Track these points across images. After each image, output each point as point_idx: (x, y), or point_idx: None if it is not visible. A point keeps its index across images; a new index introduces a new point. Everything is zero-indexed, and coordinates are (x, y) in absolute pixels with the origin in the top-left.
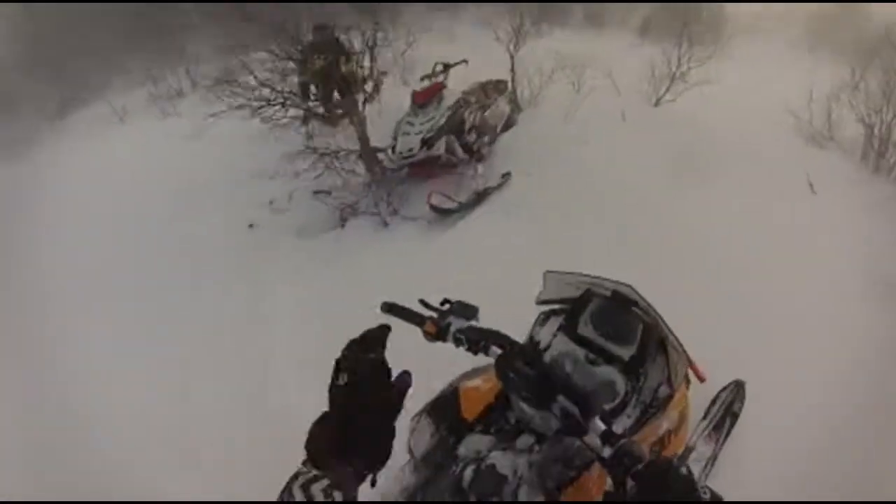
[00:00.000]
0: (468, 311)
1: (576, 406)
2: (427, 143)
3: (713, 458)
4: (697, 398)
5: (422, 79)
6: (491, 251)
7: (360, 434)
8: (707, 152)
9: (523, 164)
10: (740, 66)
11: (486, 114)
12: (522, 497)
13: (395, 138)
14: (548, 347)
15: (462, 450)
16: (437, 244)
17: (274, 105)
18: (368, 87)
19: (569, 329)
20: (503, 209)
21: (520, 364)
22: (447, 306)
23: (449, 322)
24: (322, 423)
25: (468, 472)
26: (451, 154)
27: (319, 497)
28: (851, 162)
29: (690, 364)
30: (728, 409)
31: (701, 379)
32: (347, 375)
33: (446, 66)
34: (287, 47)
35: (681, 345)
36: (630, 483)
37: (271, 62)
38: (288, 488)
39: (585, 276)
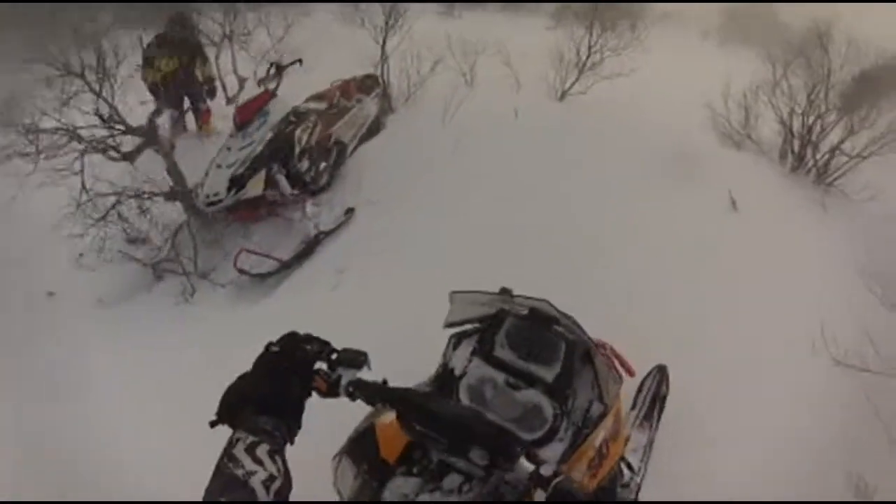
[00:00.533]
0: (356, 359)
1: (495, 452)
2: (237, 183)
3: (650, 444)
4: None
5: (259, 83)
6: (314, 326)
7: (275, 393)
8: (614, 155)
9: (378, 188)
10: (655, 58)
11: (339, 123)
12: None
13: (206, 173)
14: (464, 374)
15: (387, 494)
16: (243, 322)
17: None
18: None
19: (484, 352)
20: (337, 264)
21: (422, 420)
22: (334, 356)
23: (339, 375)
24: (240, 380)
25: None
26: (277, 190)
27: (268, 462)
28: (770, 164)
29: (619, 359)
30: (655, 394)
31: (631, 373)
32: (279, 345)
33: (279, 68)
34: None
35: (607, 347)
36: None
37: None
38: (230, 454)
39: (496, 293)
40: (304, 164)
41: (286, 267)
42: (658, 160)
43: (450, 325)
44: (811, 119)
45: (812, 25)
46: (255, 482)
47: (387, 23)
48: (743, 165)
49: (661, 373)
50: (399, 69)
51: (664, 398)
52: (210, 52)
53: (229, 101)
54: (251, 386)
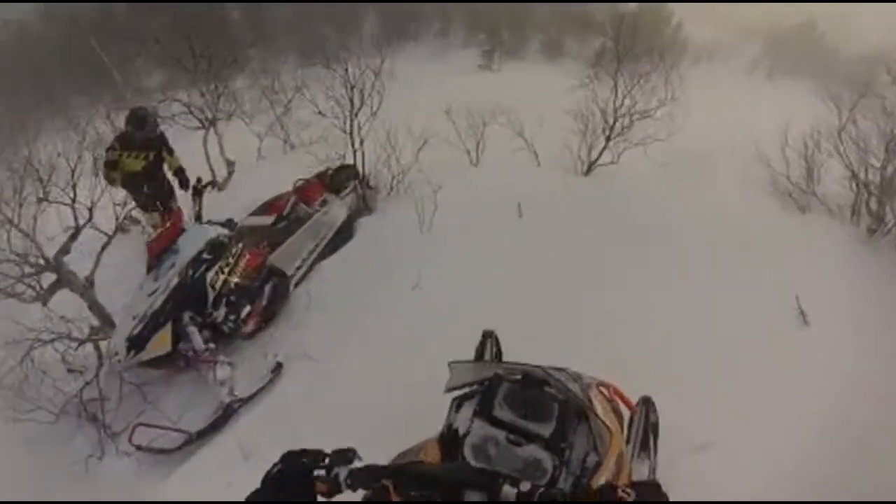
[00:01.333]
0: (345, 455)
1: (482, 489)
2: (135, 344)
3: (652, 472)
4: None
5: (195, 189)
6: None
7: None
8: (649, 249)
9: (323, 334)
10: (694, 105)
11: (284, 245)
12: None
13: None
14: (467, 434)
15: None
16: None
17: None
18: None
19: (484, 413)
20: (245, 446)
21: (415, 484)
22: (327, 460)
23: (336, 473)
24: (251, 496)
25: None
26: (188, 343)
27: None
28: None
29: (621, 397)
30: (646, 423)
31: (630, 408)
32: (280, 464)
33: (196, 189)
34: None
35: (609, 387)
36: None
37: None
38: None
39: (491, 362)
40: (221, 313)
41: (191, 442)
42: (704, 249)
43: (451, 389)
44: (890, 171)
45: (870, 53)
46: None
47: (352, 90)
48: (810, 239)
49: (645, 403)
50: (384, 151)
51: (656, 425)
52: (196, 137)
53: (219, 188)
54: (260, 500)
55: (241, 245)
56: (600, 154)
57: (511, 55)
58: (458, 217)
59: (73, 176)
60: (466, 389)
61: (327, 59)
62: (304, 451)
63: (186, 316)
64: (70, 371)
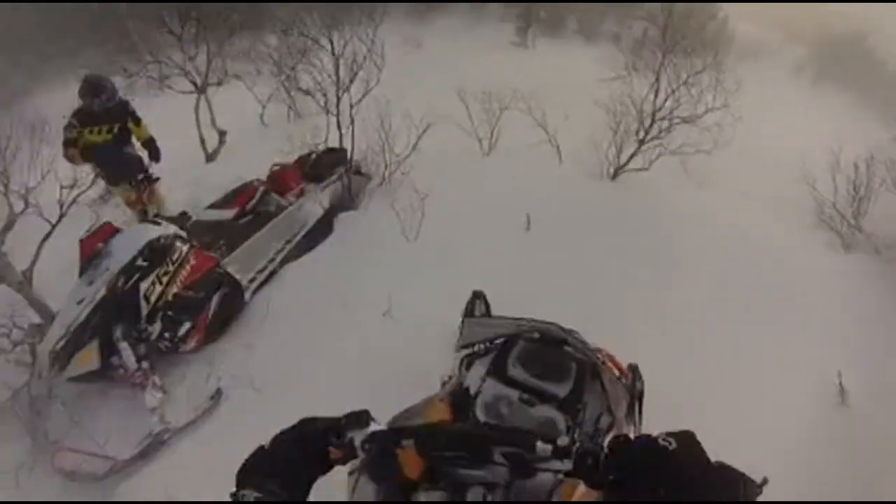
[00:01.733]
0: (360, 418)
1: (514, 446)
2: (57, 360)
3: None
4: None
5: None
6: None
7: (284, 463)
8: (673, 276)
9: (274, 358)
10: (738, 108)
11: (242, 247)
12: None
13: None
14: (479, 393)
15: None
16: None
17: None
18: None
19: (497, 372)
20: (177, 483)
21: (439, 443)
22: (337, 423)
23: (351, 438)
24: (260, 453)
25: None
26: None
27: None
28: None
29: (613, 363)
30: (633, 391)
31: (623, 374)
32: (294, 425)
33: (141, 181)
34: None
35: (602, 352)
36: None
37: None
38: None
39: (508, 318)
40: (156, 328)
41: (116, 471)
42: (734, 285)
43: (463, 346)
44: None
45: None
46: None
47: (337, 63)
48: (853, 288)
49: (634, 371)
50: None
51: (642, 393)
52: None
53: (208, 158)
54: (262, 455)
55: (186, 248)
56: (630, 158)
57: (547, 32)
58: (454, 222)
59: (3, 158)
60: (478, 347)
61: (306, 26)
62: (316, 418)
63: (118, 330)
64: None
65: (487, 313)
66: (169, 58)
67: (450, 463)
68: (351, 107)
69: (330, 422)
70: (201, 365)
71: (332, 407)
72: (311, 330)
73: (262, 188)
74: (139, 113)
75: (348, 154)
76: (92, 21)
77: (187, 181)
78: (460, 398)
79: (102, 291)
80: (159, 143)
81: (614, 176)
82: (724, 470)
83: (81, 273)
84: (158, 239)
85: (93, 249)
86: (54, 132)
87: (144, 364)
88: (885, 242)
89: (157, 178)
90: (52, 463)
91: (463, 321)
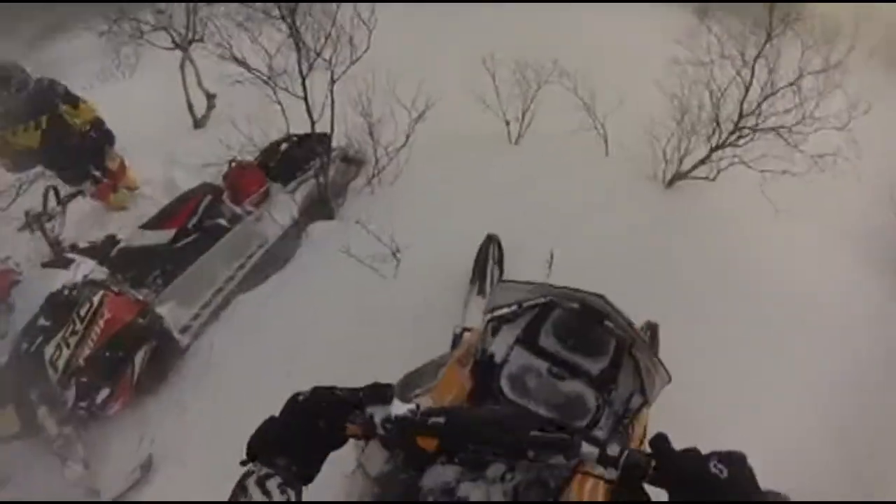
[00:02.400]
0: (383, 393)
1: (556, 451)
2: None
3: None
4: None
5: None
6: None
7: (295, 435)
8: (726, 336)
9: (208, 424)
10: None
11: (176, 284)
12: None
13: None
14: (505, 362)
15: (427, 482)
16: None
17: None
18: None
19: (528, 341)
20: None
21: (469, 441)
22: (357, 396)
23: (370, 414)
24: (271, 424)
25: None
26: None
27: (276, 493)
28: None
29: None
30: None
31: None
32: (309, 394)
33: (58, 200)
34: None
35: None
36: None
37: None
38: (242, 485)
39: (548, 285)
40: (70, 395)
41: None
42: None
43: (492, 309)
44: None
45: None
46: None
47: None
48: None
49: (651, 329)
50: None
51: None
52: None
53: (196, 124)
54: (273, 425)
55: (97, 298)
56: (697, 165)
57: None
58: (455, 245)
59: None
60: (506, 311)
61: None
62: (335, 388)
63: (33, 394)
64: None
65: (501, 259)
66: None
67: (482, 460)
68: (331, 80)
69: (349, 393)
70: (132, 426)
71: None
72: (253, 389)
73: (206, 199)
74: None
75: (330, 140)
76: None
77: (171, 153)
78: (484, 366)
79: (4, 359)
80: (141, 106)
81: (670, 182)
82: (777, 502)
83: None
84: (62, 291)
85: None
86: None
87: (66, 430)
88: None
89: (119, 159)
90: None
91: (497, 285)
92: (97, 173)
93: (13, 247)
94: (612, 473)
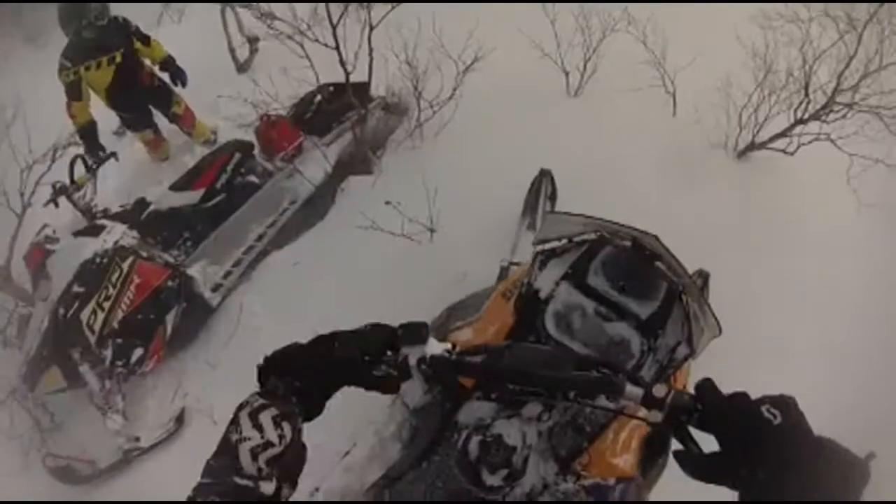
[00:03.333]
0: (417, 332)
1: (600, 391)
2: (25, 380)
3: None
4: None
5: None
6: None
7: (308, 359)
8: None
9: (235, 384)
10: None
11: (202, 247)
12: (532, 466)
13: None
14: (550, 298)
15: (462, 417)
16: None
17: None
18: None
19: (576, 278)
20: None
21: (512, 381)
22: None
23: (406, 354)
24: (292, 347)
25: (473, 444)
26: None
27: (269, 428)
28: None
29: None
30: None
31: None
32: (342, 333)
33: (86, 167)
34: None
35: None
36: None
37: None
38: (235, 418)
39: (599, 219)
40: (108, 354)
41: (96, 476)
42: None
43: (540, 241)
44: None
45: None
46: (244, 449)
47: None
48: None
49: (703, 277)
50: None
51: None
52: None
53: (240, 69)
54: (293, 349)
55: (127, 264)
56: (775, 137)
57: None
58: (498, 207)
59: None
60: (556, 244)
61: None
62: (376, 327)
63: (75, 354)
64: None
65: (554, 194)
66: None
67: (527, 401)
68: (370, 27)
69: (387, 333)
70: (167, 381)
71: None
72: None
73: (237, 155)
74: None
75: (368, 89)
76: None
77: (213, 102)
78: (528, 299)
79: (45, 324)
80: (187, 50)
81: (742, 152)
82: (831, 449)
83: (34, 288)
84: (94, 259)
85: (36, 266)
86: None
87: (108, 384)
88: None
89: (184, 104)
90: (44, 464)
91: (544, 215)
92: (157, 122)
93: (56, 214)
94: (656, 417)
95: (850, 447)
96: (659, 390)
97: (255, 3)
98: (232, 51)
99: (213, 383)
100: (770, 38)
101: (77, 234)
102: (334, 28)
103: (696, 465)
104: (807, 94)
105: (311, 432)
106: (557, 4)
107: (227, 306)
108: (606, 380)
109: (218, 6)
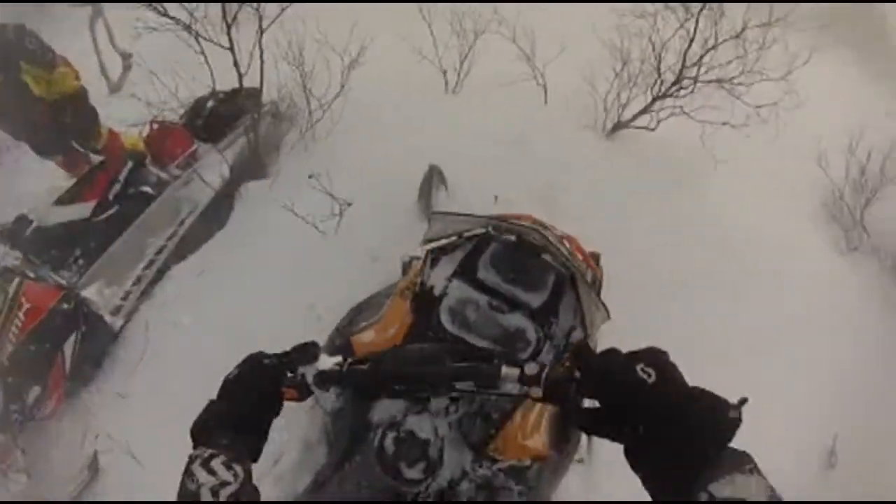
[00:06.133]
0: (310, 351)
1: (480, 380)
2: None
3: None
4: None
5: None
6: None
7: (233, 411)
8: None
9: (148, 415)
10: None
11: (101, 260)
12: (448, 457)
13: None
14: (444, 294)
15: (375, 416)
16: None
17: None
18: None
19: (466, 274)
20: None
21: (398, 382)
22: (285, 360)
23: (302, 374)
24: (210, 407)
25: (389, 441)
26: None
27: (222, 471)
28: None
29: (581, 251)
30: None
31: (590, 266)
32: (237, 368)
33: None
34: None
35: (573, 240)
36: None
37: None
38: (188, 471)
39: (483, 216)
40: None
41: None
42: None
43: (428, 241)
44: None
45: None
46: (204, 491)
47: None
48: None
49: (595, 259)
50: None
51: (600, 283)
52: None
53: (112, 89)
54: (212, 408)
55: (14, 287)
56: (638, 115)
57: None
58: (394, 197)
59: None
60: (444, 242)
61: None
62: (264, 355)
63: None
64: None
65: (444, 189)
66: None
67: (414, 395)
68: (260, 31)
69: (279, 358)
70: (72, 423)
71: None
72: (198, 369)
73: (127, 166)
74: None
75: (259, 95)
76: None
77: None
78: (423, 298)
79: None
80: None
81: (612, 131)
82: (703, 398)
83: None
84: None
85: None
86: None
87: (1, 438)
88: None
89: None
90: None
91: (431, 214)
92: (79, 148)
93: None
94: (536, 392)
95: None
96: (531, 368)
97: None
98: (103, 68)
99: (125, 416)
100: (624, 33)
101: None
102: (229, 28)
103: (584, 421)
104: (659, 75)
105: None
106: (436, 11)
107: (130, 329)
108: (479, 367)
109: (85, 20)
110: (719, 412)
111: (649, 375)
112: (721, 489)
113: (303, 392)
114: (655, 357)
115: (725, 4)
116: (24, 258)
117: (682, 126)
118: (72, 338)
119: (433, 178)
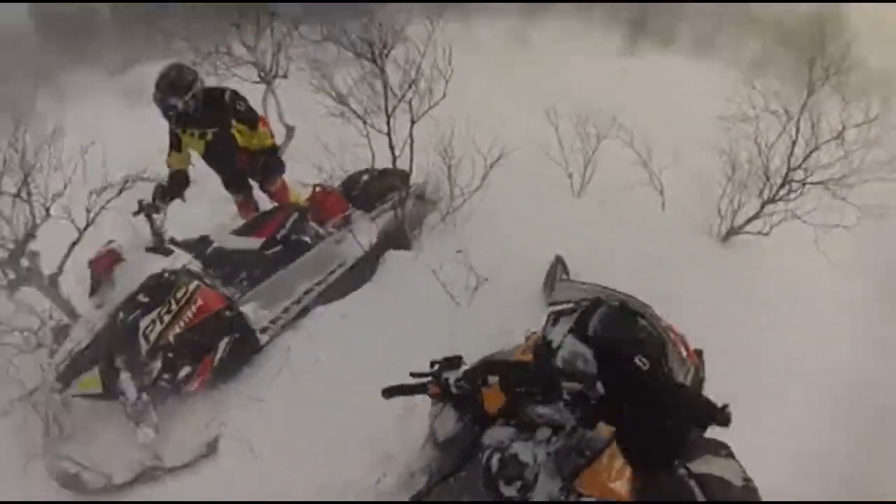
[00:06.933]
0: (454, 361)
1: (576, 379)
2: (61, 378)
3: None
4: None
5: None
6: None
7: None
8: None
9: (276, 422)
10: None
11: (260, 287)
12: (541, 482)
13: None
14: (560, 347)
15: (486, 439)
16: None
17: None
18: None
19: (579, 331)
20: None
21: (518, 379)
22: (436, 367)
23: (446, 378)
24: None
25: (494, 460)
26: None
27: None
28: None
29: (685, 345)
30: (696, 378)
31: (692, 359)
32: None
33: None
34: None
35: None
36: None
37: None
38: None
39: (597, 285)
40: (156, 367)
41: (108, 490)
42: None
43: (553, 303)
44: None
45: None
46: None
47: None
48: None
49: (700, 356)
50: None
51: (702, 382)
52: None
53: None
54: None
55: (193, 286)
56: (750, 220)
57: (657, 42)
58: (523, 279)
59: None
60: (565, 306)
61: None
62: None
63: (119, 360)
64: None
65: (567, 274)
66: (229, 48)
67: (526, 400)
68: (412, 122)
69: (433, 363)
70: (205, 408)
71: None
72: (321, 396)
73: (295, 215)
74: None
75: (408, 177)
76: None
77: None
78: (543, 349)
79: (101, 324)
80: None
81: (725, 237)
82: (688, 391)
83: (92, 293)
84: (162, 274)
85: (102, 271)
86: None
87: (144, 396)
88: None
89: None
90: (52, 466)
91: (558, 282)
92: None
93: (115, 234)
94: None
95: None
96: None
97: (327, 83)
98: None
99: (253, 415)
100: (731, 136)
101: (149, 250)
102: (388, 116)
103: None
104: (767, 179)
105: (344, 469)
106: (557, 112)
107: (273, 348)
108: (583, 374)
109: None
110: (700, 403)
111: (644, 364)
112: (697, 466)
113: (445, 392)
114: (653, 350)
115: (822, 107)
116: (203, 268)
117: (796, 230)
118: (225, 339)
119: (557, 268)
